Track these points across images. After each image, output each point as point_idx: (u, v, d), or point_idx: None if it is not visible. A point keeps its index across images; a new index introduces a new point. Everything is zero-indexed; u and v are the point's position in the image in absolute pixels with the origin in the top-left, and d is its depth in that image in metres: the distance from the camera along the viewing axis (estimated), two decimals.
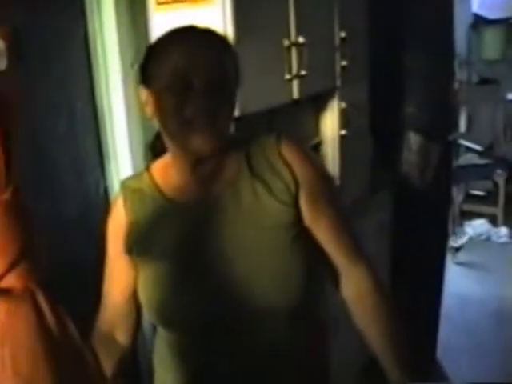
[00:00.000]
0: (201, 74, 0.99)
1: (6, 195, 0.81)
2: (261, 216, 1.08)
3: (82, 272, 1.41)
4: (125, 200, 1.14)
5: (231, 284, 1.05)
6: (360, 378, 2.46)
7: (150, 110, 1.06)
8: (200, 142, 1.00)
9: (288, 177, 1.08)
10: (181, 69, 0.99)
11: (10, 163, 0.82)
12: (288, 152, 1.10)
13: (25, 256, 0.83)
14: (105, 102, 1.69)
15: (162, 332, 1.19)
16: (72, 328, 0.86)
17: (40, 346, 0.81)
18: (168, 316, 1.09)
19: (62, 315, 0.84)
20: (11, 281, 0.82)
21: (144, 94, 1.06)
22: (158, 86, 1.02)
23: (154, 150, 1.20)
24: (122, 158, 1.67)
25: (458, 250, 4.26)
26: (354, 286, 1.15)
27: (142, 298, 1.12)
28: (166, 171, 1.13)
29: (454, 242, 4.24)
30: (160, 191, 1.12)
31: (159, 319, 1.11)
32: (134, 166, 1.69)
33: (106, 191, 1.61)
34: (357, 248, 1.15)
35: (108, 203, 1.26)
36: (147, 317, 1.15)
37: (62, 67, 1.54)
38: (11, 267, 0.81)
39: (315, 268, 1.12)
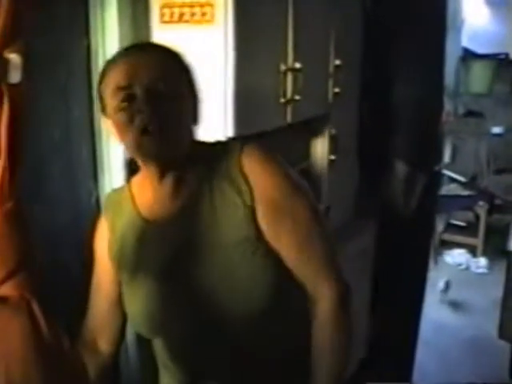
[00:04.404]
0: (140, 81, 1.00)
1: (10, 204, 0.82)
2: (217, 231, 1.06)
3: (70, 281, 1.42)
4: (106, 214, 1.19)
5: (201, 295, 1.07)
6: None
7: (115, 136, 1.07)
8: (153, 148, 1.00)
9: (244, 188, 1.05)
10: (122, 84, 1.01)
11: (15, 174, 0.84)
12: (248, 162, 1.06)
13: (23, 266, 0.84)
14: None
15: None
16: (64, 337, 0.88)
17: (33, 354, 0.82)
18: (150, 328, 1.13)
19: (54, 324, 0.86)
20: (8, 289, 0.83)
21: (107, 124, 1.09)
22: (111, 111, 1.04)
23: (131, 166, 1.24)
24: (116, 169, 1.68)
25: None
26: (316, 307, 1.08)
27: (127, 311, 1.16)
28: (142, 186, 1.15)
29: (433, 271, 4.28)
30: (135, 206, 1.15)
31: (143, 331, 1.15)
32: (127, 178, 1.71)
33: (97, 201, 1.61)
34: (323, 268, 1.07)
35: (99, 213, 1.28)
36: (131, 328, 1.17)
37: (62, 75, 1.55)
38: (9, 276, 0.82)
39: (286, 275, 1.08)
